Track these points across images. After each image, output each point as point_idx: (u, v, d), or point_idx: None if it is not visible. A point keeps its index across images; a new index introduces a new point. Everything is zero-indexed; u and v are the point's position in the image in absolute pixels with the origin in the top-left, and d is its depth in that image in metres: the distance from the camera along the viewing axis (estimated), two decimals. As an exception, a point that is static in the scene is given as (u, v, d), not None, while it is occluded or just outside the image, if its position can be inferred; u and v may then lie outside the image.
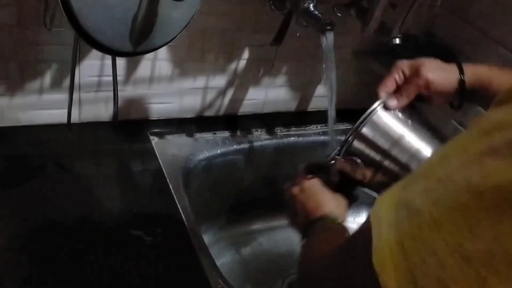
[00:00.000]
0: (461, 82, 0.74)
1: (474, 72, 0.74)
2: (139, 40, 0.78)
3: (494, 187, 0.35)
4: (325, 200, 0.76)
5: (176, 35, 0.84)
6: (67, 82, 0.95)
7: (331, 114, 0.88)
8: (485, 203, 0.35)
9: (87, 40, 0.75)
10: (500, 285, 0.35)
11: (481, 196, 0.35)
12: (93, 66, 0.97)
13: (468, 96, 0.75)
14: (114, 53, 0.80)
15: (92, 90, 0.99)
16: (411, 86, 0.74)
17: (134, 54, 0.81)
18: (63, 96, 0.97)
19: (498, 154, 0.36)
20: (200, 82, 1.08)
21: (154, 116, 1.09)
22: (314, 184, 0.78)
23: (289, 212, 0.81)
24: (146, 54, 0.88)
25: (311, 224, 0.72)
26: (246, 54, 1.08)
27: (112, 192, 0.93)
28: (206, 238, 1.16)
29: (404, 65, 0.76)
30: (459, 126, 1.18)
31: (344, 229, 0.70)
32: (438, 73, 0.74)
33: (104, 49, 0.77)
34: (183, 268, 0.80)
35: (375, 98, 0.76)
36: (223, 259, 1.15)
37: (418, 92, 0.74)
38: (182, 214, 0.90)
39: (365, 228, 0.43)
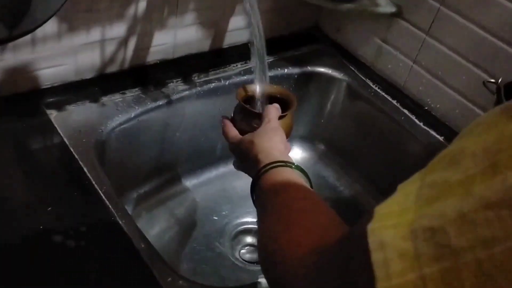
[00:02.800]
0: None
1: None
2: (15, 19, 0.59)
3: None
4: (271, 142, 0.66)
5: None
6: None
7: (257, 46, 0.77)
8: None
9: None
10: None
11: None
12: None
13: None
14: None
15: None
16: None
17: (13, 38, 0.63)
18: None
19: None
20: (95, 35, 0.90)
21: (46, 83, 0.91)
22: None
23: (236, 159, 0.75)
24: (29, 34, 0.70)
25: (261, 175, 0.61)
26: (144, -5, 0.91)
27: (13, 184, 0.77)
28: (135, 210, 1.04)
29: None
30: (384, 44, 1.10)
31: (304, 187, 0.59)
32: None
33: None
34: (115, 252, 0.71)
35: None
36: (157, 226, 1.05)
37: None
38: (102, 194, 0.77)
39: (361, 245, 0.32)
